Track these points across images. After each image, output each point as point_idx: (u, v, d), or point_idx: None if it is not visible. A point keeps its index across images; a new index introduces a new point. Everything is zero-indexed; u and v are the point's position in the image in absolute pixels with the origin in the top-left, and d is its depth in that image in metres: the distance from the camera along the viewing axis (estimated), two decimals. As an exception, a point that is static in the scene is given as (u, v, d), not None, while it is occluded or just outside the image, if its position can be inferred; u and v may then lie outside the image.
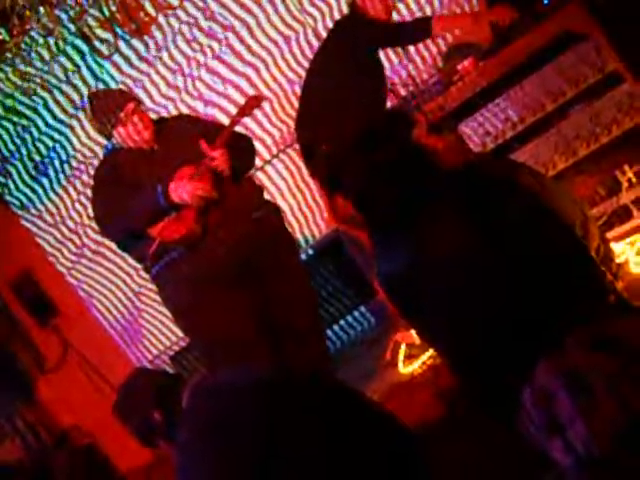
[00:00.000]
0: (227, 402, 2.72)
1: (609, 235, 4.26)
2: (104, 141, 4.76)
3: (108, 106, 4.50)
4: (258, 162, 5.97)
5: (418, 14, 6.22)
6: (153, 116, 5.80)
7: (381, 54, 5.39)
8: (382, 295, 2.74)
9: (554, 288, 1.99)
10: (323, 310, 6.19)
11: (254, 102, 4.64)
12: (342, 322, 6.49)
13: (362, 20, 5.23)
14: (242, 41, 6.37)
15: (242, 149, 4.61)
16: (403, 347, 4.92)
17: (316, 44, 6.24)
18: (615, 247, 3.80)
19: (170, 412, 2.87)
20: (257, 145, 5.97)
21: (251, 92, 6.34)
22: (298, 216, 6.44)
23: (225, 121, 6.20)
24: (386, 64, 5.79)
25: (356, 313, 6.49)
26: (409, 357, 4.85)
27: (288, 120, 6.43)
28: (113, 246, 5.11)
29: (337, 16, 6.21)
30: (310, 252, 6.33)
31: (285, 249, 4.66)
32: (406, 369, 4.80)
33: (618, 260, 3.64)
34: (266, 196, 4.95)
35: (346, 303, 6.45)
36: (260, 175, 6.32)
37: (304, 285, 4.71)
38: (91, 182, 4.79)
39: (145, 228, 4.35)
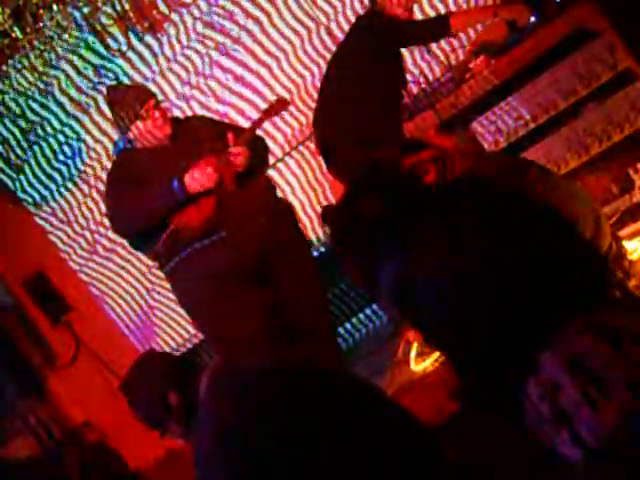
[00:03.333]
0: (241, 398, 2.72)
1: (622, 233, 4.24)
2: (117, 138, 4.77)
3: (129, 100, 4.48)
4: (270, 160, 5.97)
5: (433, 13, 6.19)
6: (166, 113, 5.81)
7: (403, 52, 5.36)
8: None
9: (559, 285, 1.99)
10: (335, 307, 6.19)
11: (281, 105, 4.66)
12: (354, 320, 6.49)
13: (383, 18, 5.18)
14: (255, 39, 6.37)
15: (258, 148, 4.62)
16: (415, 345, 4.91)
17: (329, 41, 6.25)
18: (628, 245, 3.78)
19: (186, 395, 2.86)
20: (269, 142, 6.00)
21: (264, 90, 6.36)
22: (310, 214, 6.44)
23: (238, 119, 6.23)
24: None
25: (368, 311, 6.48)
26: (421, 355, 4.84)
27: (301, 117, 6.43)
28: (126, 243, 5.12)
29: (350, 13, 6.21)
30: (322, 250, 6.33)
31: (298, 247, 4.67)
32: (418, 367, 4.79)
33: (631, 257, 3.64)
34: (278, 194, 4.96)
35: (358, 300, 6.44)
36: (272, 173, 6.33)
37: (316, 284, 4.72)
38: (104, 179, 4.79)
39: (162, 219, 4.36)
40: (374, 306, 6.44)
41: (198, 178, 4.30)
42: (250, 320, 4.40)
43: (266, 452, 2.52)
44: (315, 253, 6.11)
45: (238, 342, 4.40)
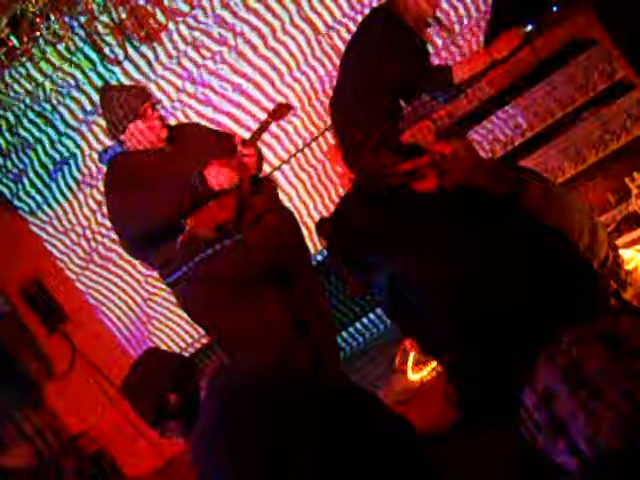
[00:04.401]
0: (240, 402, 2.72)
1: (618, 242, 4.25)
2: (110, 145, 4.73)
3: (125, 100, 4.41)
4: (267, 168, 5.98)
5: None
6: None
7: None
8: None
9: (556, 292, 2.00)
10: (334, 315, 6.18)
11: (283, 110, 4.64)
12: (351, 329, 6.49)
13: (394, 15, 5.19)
14: (252, 48, 6.37)
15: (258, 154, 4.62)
16: (412, 354, 4.90)
17: (329, 50, 6.25)
18: (624, 254, 3.79)
19: (186, 396, 2.85)
20: (269, 150, 6.03)
21: (261, 99, 6.37)
22: (307, 222, 6.44)
23: (235, 128, 6.23)
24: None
25: (365, 320, 6.49)
26: (418, 364, 4.83)
27: (299, 124, 6.44)
28: (122, 252, 5.08)
29: (349, 23, 6.21)
30: (319, 258, 6.32)
31: (304, 252, 4.67)
32: (415, 376, 4.79)
33: (627, 267, 3.64)
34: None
35: (356, 309, 6.44)
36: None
37: (318, 288, 4.74)
38: (101, 188, 4.75)
39: (178, 219, 4.30)
40: (371, 315, 6.45)
41: (221, 175, 4.26)
42: (262, 325, 4.37)
43: (267, 454, 2.52)
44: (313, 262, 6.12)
45: (255, 347, 4.35)
